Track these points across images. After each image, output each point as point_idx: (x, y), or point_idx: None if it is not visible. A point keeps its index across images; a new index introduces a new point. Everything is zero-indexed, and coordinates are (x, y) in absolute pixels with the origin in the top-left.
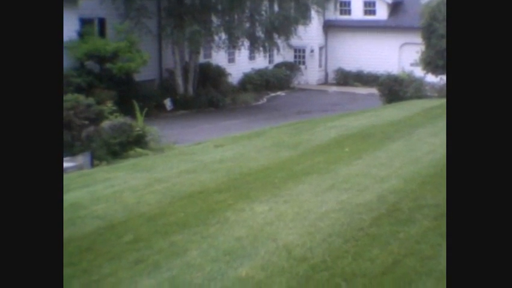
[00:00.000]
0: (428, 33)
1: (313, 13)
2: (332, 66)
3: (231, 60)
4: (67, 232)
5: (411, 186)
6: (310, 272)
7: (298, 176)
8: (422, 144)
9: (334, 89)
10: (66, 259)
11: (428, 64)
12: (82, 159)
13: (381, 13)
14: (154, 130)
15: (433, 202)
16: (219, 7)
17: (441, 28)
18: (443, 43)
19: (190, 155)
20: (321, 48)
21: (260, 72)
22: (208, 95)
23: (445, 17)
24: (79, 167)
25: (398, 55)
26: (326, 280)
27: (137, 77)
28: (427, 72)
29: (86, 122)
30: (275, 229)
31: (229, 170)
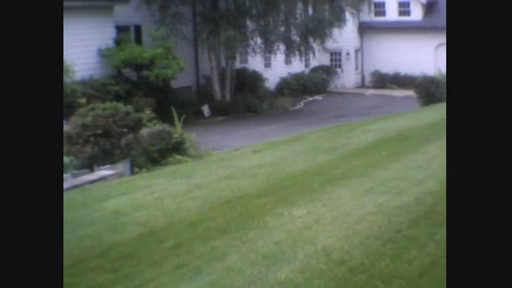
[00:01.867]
0: None
1: (348, 15)
2: (368, 69)
3: (267, 65)
4: (108, 239)
5: None
6: (348, 274)
7: (336, 179)
8: None
9: (371, 91)
10: (108, 265)
11: None
12: (121, 166)
13: (416, 14)
14: (193, 137)
15: None
16: (254, 11)
17: None
18: None
19: (229, 161)
20: (357, 51)
21: (296, 77)
22: (245, 100)
23: None
24: (119, 175)
25: (434, 56)
26: (364, 282)
27: (174, 84)
28: None
29: (125, 130)
30: (314, 233)
31: (268, 175)
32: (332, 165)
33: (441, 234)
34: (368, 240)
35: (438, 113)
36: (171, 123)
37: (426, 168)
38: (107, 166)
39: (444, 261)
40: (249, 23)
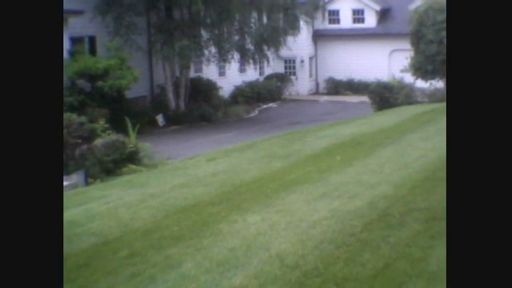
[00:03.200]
0: (416, 39)
1: (302, 23)
2: (323, 76)
3: (222, 73)
4: (64, 249)
5: (402, 191)
6: (302, 278)
7: (290, 185)
8: (412, 149)
9: (325, 98)
10: (64, 276)
11: (418, 70)
12: (76, 177)
13: (370, 21)
14: (147, 146)
15: (423, 206)
16: (208, 21)
17: (430, 33)
18: (432, 48)
19: (183, 169)
20: (311, 58)
21: (251, 85)
22: (200, 109)
23: (433, 22)
24: (74, 186)
25: (388, 62)
26: (318, 286)
27: (128, 94)
28: (417, 78)
29: (79, 141)
30: (268, 239)
31: (222, 182)
32: (286, 172)
33: (395, 236)
34: (321, 244)
35: (391, 117)
36: (125, 133)
37: (380, 172)
38: None
39: (397, 263)
40: (203, 32)
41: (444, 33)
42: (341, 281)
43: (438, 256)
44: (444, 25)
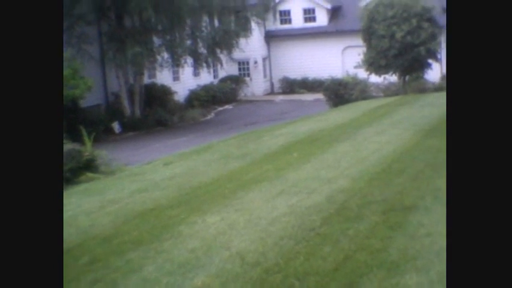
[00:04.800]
0: (368, 34)
1: (253, 25)
2: (277, 76)
3: (176, 78)
4: None
5: (359, 185)
6: (264, 275)
7: (247, 184)
8: (368, 143)
9: (280, 98)
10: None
11: (371, 65)
12: None
13: (321, 19)
14: (104, 154)
15: (381, 198)
16: (159, 27)
17: (381, 29)
18: (384, 43)
19: (141, 175)
20: (264, 59)
21: (206, 88)
22: (156, 114)
23: (384, 18)
24: None
25: (342, 59)
26: (280, 281)
27: (83, 103)
28: (370, 73)
29: None
30: (228, 238)
31: (180, 185)
32: (243, 171)
33: (354, 229)
34: (281, 240)
35: (346, 113)
36: (81, 142)
37: (337, 167)
38: None
39: (357, 255)
40: (155, 38)
41: (395, 28)
42: (302, 276)
43: (397, 246)
44: (395, 20)
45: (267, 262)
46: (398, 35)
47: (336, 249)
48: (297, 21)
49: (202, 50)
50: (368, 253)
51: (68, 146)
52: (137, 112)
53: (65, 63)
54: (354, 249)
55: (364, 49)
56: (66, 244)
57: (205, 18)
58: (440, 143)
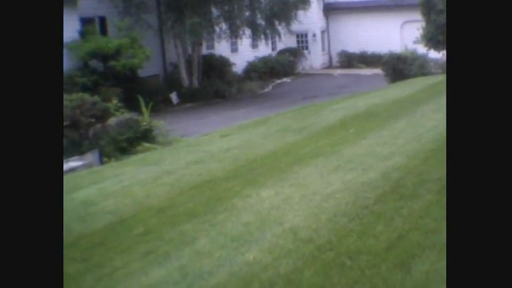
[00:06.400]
0: (427, 9)
1: None
2: (335, 49)
3: (234, 49)
4: (78, 229)
5: (415, 162)
6: (316, 252)
7: (303, 159)
8: (425, 120)
9: (339, 71)
10: (78, 255)
11: (430, 40)
12: (90, 157)
13: None
14: (161, 124)
15: (436, 176)
16: None
17: (440, 3)
18: (443, 18)
19: (197, 146)
20: (323, 32)
21: (264, 60)
22: (214, 86)
23: None
24: (88, 165)
25: (400, 33)
26: (331, 259)
27: (141, 73)
28: (429, 49)
29: (93, 120)
30: (281, 213)
31: (236, 158)
32: (300, 145)
33: (408, 208)
34: (335, 217)
35: (405, 89)
36: (139, 111)
37: (393, 143)
38: (75, 157)
39: (410, 235)
40: (213, 9)
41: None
42: (354, 254)
43: None
44: None
45: (319, 239)
46: None
47: (390, 228)
48: None
49: (261, 22)
50: (421, 233)
51: (125, 115)
52: (195, 83)
53: (123, 32)
54: (408, 229)
55: (423, 24)
56: (120, 215)
57: None
58: None
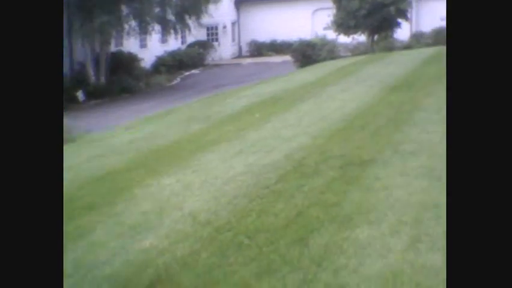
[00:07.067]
0: None
1: None
2: (246, 40)
3: (143, 45)
4: None
5: (319, 142)
6: (214, 233)
7: (206, 146)
8: (331, 101)
9: (248, 60)
10: None
11: (340, 26)
12: None
13: None
14: (64, 122)
15: (339, 153)
16: None
17: None
18: (353, 4)
19: (101, 140)
20: (233, 24)
21: (173, 54)
22: (121, 82)
23: None
24: None
25: (312, 21)
26: (229, 239)
27: None
28: (339, 34)
29: None
30: (181, 199)
31: (139, 149)
32: (204, 133)
33: (309, 185)
34: (235, 199)
35: (313, 73)
36: None
37: (298, 125)
38: None
39: (310, 211)
40: (123, 7)
41: None
42: (253, 233)
43: (352, 200)
44: None
45: (218, 221)
46: None
47: (289, 205)
48: None
49: (171, 17)
50: (321, 208)
51: None
52: (103, 80)
53: None
54: (308, 205)
55: (334, 10)
56: None
57: None
58: (403, 98)
